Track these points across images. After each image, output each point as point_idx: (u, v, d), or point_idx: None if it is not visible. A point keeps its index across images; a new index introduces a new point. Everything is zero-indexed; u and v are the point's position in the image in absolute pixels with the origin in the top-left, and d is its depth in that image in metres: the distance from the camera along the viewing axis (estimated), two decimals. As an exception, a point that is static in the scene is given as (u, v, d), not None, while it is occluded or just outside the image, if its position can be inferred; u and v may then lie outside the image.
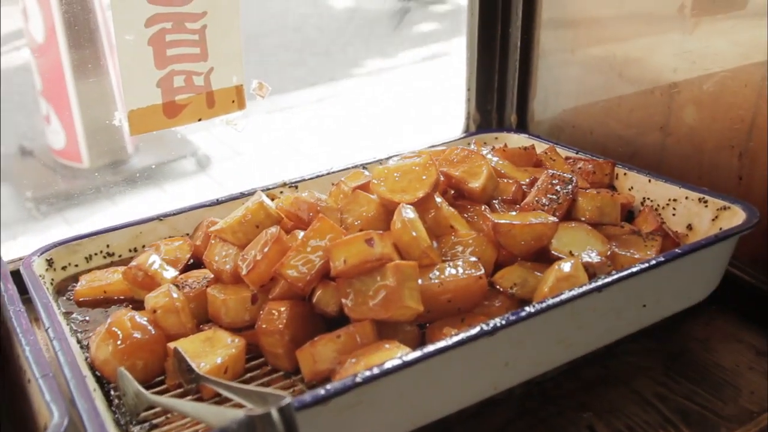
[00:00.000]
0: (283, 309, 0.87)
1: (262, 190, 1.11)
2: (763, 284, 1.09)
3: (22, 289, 0.94)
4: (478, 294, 0.87)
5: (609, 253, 0.95)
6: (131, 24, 1.02)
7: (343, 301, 0.83)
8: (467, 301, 0.87)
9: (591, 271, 0.91)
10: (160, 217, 1.14)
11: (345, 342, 0.81)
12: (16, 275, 0.98)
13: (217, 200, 1.18)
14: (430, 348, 0.73)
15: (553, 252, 0.94)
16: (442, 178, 1.02)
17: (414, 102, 3.38)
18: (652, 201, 1.15)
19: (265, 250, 0.90)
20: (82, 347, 0.91)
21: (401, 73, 3.95)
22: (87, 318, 0.99)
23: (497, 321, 0.78)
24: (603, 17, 1.34)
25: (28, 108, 2.64)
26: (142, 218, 1.14)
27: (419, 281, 0.83)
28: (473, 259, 0.89)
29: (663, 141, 1.24)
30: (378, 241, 0.83)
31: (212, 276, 0.99)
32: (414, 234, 0.86)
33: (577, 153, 1.28)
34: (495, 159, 1.15)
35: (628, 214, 1.15)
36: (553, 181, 1.05)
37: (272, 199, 1.04)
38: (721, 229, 1.02)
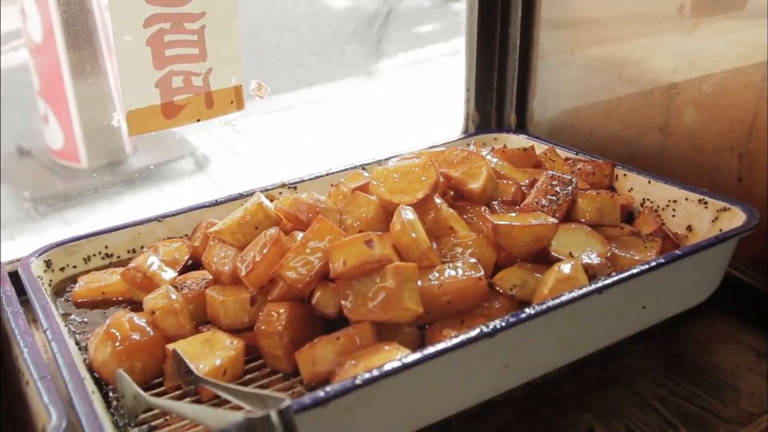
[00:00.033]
0: (282, 310, 0.87)
1: (261, 191, 1.11)
2: (763, 286, 1.09)
3: (20, 291, 0.94)
4: (477, 295, 0.87)
5: (609, 254, 0.95)
6: (130, 24, 1.02)
7: (343, 302, 0.83)
8: (467, 303, 0.87)
9: (591, 273, 0.91)
10: (158, 218, 1.14)
11: (344, 344, 0.81)
12: (14, 276, 0.98)
13: (216, 201, 1.18)
14: (430, 350, 0.73)
15: (552, 253, 0.94)
16: (441, 179, 1.01)
17: (413, 102, 3.38)
18: (651, 202, 1.15)
19: (264, 251, 0.89)
20: (80, 349, 0.91)
21: (400, 74, 3.95)
22: (85, 319, 0.98)
23: (497, 323, 0.77)
24: (602, 17, 1.33)
25: (26, 108, 2.63)
26: (140, 219, 1.14)
27: (419, 283, 0.83)
28: (473, 260, 0.89)
29: (663, 142, 1.24)
30: (377, 243, 0.82)
31: (211, 277, 0.98)
32: (413, 235, 0.86)
33: (576, 154, 1.28)
34: (494, 160, 1.15)
35: (628, 216, 1.15)
36: (553, 182, 1.04)
37: (271, 200, 1.04)
38: (721, 230, 1.02)
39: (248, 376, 0.87)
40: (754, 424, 0.89)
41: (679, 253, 0.91)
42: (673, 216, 1.11)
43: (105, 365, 0.85)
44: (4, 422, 0.83)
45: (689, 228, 1.09)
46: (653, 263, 0.88)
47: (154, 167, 2.33)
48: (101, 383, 0.85)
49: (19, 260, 1.06)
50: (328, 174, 1.26)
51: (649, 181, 1.16)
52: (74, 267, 1.08)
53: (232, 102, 1.17)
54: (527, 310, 0.80)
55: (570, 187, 1.04)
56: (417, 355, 0.73)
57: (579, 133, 1.41)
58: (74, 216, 2.23)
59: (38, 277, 1.00)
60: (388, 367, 0.71)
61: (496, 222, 0.93)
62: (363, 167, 1.26)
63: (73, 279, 1.06)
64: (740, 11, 1.10)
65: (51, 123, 2.55)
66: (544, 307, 0.80)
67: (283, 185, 1.23)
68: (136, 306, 0.97)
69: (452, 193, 1.06)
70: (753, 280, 1.10)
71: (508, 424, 0.89)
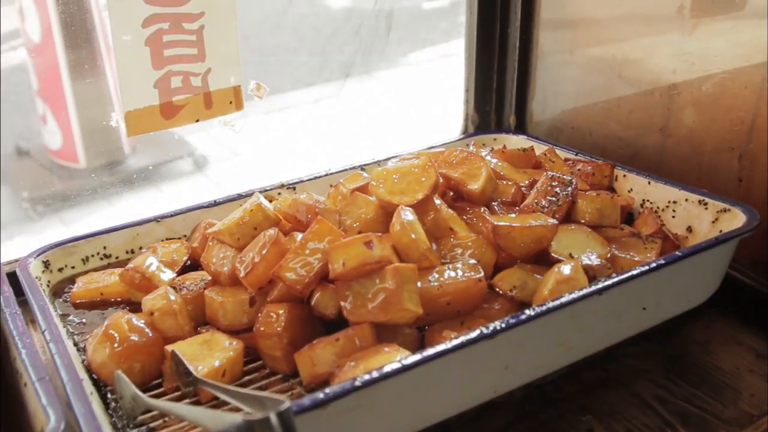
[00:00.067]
0: (281, 312, 0.87)
1: (260, 192, 1.11)
2: (763, 287, 1.08)
3: (19, 291, 0.94)
4: (477, 297, 0.87)
5: (609, 255, 0.95)
6: (128, 24, 1.02)
7: (342, 303, 0.83)
8: (467, 304, 0.86)
9: (591, 274, 0.90)
10: (157, 219, 1.14)
11: (344, 345, 0.80)
12: (13, 277, 0.98)
13: (215, 201, 1.18)
14: (430, 351, 0.73)
15: (552, 254, 0.94)
16: (441, 180, 1.01)
17: (412, 103, 3.37)
18: (651, 203, 1.15)
19: (263, 252, 0.89)
20: (78, 350, 0.91)
21: (399, 74, 3.95)
22: (84, 320, 0.98)
23: (497, 324, 0.77)
24: (602, 18, 1.33)
25: (25, 108, 2.63)
26: (139, 220, 1.13)
27: (418, 284, 0.83)
28: (472, 261, 0.89)
29: (663, 142, 1.24)
30: (377, 244, 0.82)
31: (210, 278, 0.98)
32: (413, 236, 0.86)
33: (576, 154, 1.28)
34: (494, 160, 1.15)
35: (628, 216, 1.14)
36: (553, 183, 1.04)
37: (270, 201, 1.03)
38: (721, 231, 1.02)
39: (247, 378, 0.87)
40: (754, 426, 0.88)
41: (679, 254, 0.91)
42: (673, 217, 1.11)
43: (103, 366, 0.85)
44: (2, 424, 0.83)
45: (689, 229, 1.09)
46: (653, 264, 0.88)
47: (152, 167, 2.32)
48: (100, 384, 0.85)
49: (17, 261, 1.05)
50: (327, 174, 1.26)
51: (649, 182, 1.16)
52: (73, 268, 1.08)
53: (231, 102, 1.16)
54: (527, 312, 0.79)
55: (570, 188, 1.04)
56: (417, 357, 0.72)
57: (579, 133, 1.41)
58: (73, 216, 2.23)
59: (36, 277, 1.00)
60: (387, 368, 0.71)
61: (495, 223, 0.93)
62: (362, 168, 1.26)
63: (72, 280, 1.06)
64: (740, 12, 1.10)
65: (49, 123, 2.55)
66: (544, 308, 0.80)
67: (282, 186, 1.23)
68: (135, 307, 0.96)
69: (452, 193, 1.06)
70: (753, 281, 1.10)
71: (508, 425, 0.89)
